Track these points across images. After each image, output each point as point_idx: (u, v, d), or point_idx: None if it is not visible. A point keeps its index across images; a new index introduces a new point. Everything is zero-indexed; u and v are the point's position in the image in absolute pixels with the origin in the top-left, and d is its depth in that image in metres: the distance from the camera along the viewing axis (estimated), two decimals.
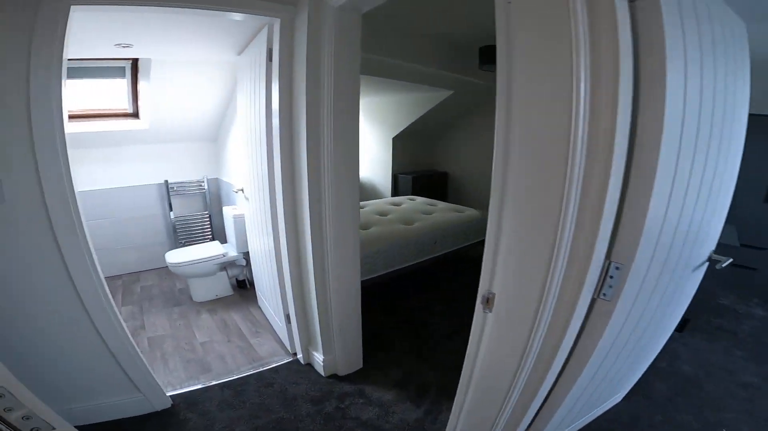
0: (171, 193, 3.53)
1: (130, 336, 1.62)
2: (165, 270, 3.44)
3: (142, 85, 2.60)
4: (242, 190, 2.54)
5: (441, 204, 3.76)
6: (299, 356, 2.17)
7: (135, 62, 2.35)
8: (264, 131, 1.85)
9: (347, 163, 1.69)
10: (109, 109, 2.93)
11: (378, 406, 1.83)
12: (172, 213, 3.56)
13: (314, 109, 1.60)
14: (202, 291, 2.95)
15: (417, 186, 4.87)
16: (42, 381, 1.50)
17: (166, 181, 3.48)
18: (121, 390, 1.66)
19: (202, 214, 3.75)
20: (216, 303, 2.92)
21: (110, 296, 1.52)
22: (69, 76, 2.50)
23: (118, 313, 1.55)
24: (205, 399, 1.85)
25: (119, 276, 3.38)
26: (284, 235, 1.89)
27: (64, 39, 1.20)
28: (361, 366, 2.13)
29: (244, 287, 3.21)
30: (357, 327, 2.06)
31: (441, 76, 3.26)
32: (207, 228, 3.78)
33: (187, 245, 3.66)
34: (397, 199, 4.00)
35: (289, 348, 2.27)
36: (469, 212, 3.46)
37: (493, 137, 0.97)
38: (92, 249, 1.40)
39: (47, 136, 1.24)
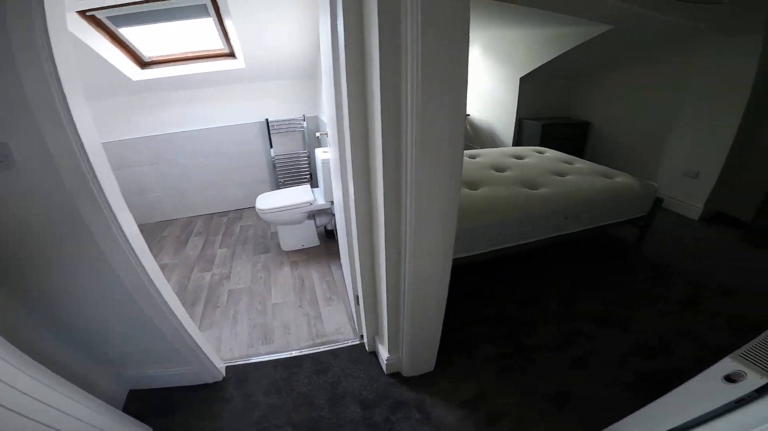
0: (272, 131, 3.44)
1: (181, 316, 1.52)
2: None
3: (228, 23, 2.33)
4: (326, 134, 2.18)
5: (580, 162, 2.76)
6: (365, 341, 1.89)
7: None
8: (331, 67, 1.37)
9: (444, 105, 1.08)
10: (208, 50, 2.81)
11: (434, 429, 1.47)
12: (272, 151, 3.51)
13: (389, 42, 1.03)
14: (289, 239, 2.88)
15: (547, 135, 3.83)
16: (98, 350, 1.51)
17: (267, 120, 3.38)
18: (174, 363, 1.62)
19: (301, 152, 3.62)
20: (300, 254, 2.83)
21: (159, 276, 1.40)
22: (145, 21, 2.41)
23: (165, 296, 1.42)
24: (255, 377, 1.74)
25: (226, 213, 3.59)
26: (353, 192, 1.44)
27: None
28: (431, 369, 1.76)
29: (332, 237, 3.05)
30: (437, 326, 1.61)
31: (600, 5, 2.20)
32: (305, 167, 3.67)
33: (285, 184, 3.68)
34: (519, 149, 3.12)
35: (357, 328, 2.00)
36: (622, 178, 2.44)
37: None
38: (126, 234, 1.23)
39: (41, 91, 1.01)
